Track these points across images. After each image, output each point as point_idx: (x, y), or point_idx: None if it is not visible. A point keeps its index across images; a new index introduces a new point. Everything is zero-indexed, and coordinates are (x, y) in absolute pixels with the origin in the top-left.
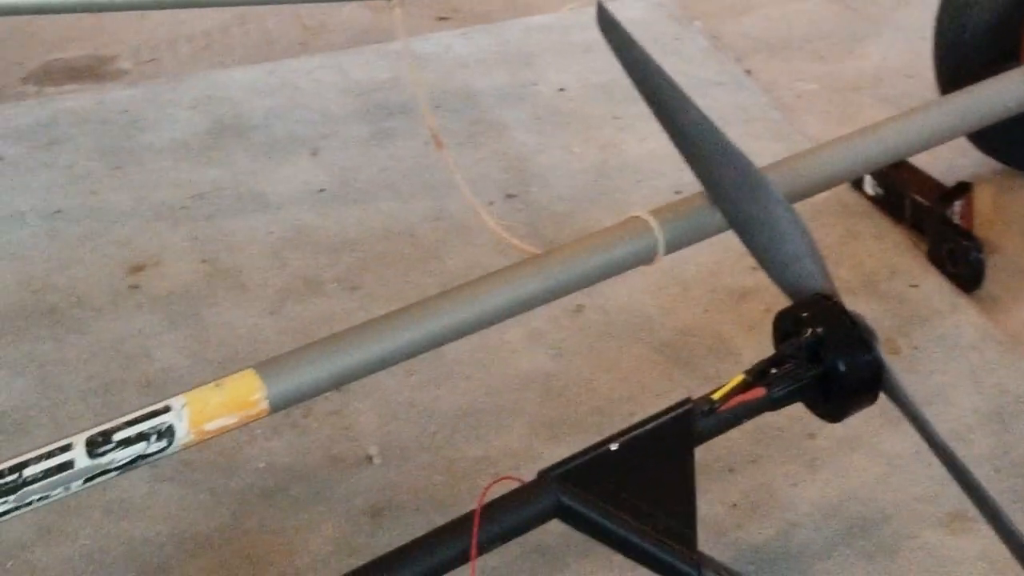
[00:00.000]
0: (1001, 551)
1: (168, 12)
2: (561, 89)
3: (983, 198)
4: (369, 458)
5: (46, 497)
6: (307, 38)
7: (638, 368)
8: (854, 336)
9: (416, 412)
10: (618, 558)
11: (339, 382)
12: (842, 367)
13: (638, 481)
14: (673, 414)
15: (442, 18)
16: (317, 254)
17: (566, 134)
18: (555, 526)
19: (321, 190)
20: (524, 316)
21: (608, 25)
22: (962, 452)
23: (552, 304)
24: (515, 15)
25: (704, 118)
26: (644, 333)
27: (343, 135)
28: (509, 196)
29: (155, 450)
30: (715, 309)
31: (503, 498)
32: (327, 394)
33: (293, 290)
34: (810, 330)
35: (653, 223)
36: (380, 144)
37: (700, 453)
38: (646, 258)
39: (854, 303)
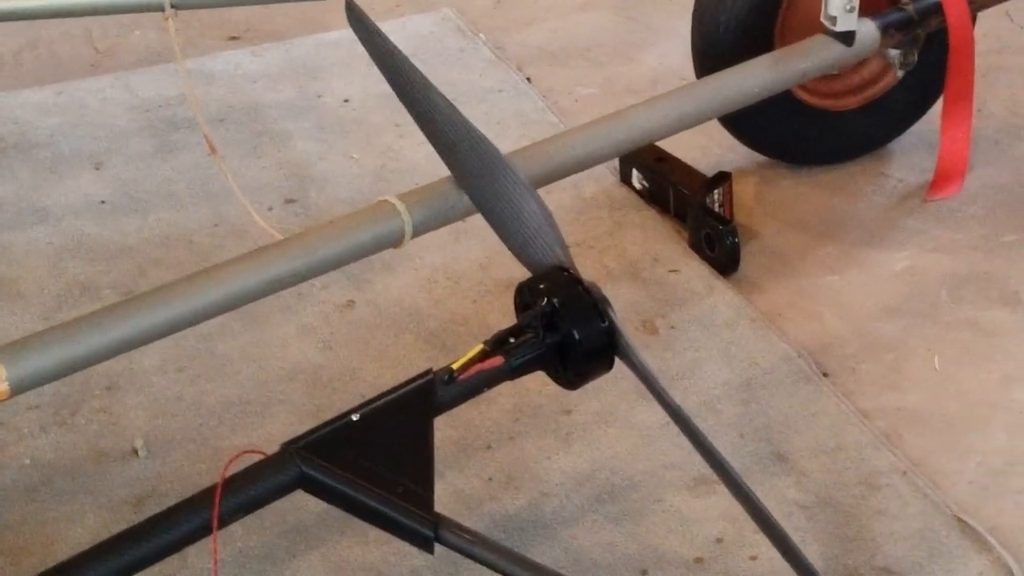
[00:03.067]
0: (737, 508)
1: None
2: (346, 100)
3: (743, 188)
4: (135, 451)
5: None
6: (98, 60)
7: (405, 356)
8: (588, 305)
9: (184, 406)
10: (373, 532)
11: (82, 364)
12: (577, 334)
13: (379, 449)
14: (414, 385)
15: (233, 38)
16: (95, 262)
17: (347, 142)
18: (314, 505)
19: (102, 202)
20: (295, 312)
21: (358, 22)
22: (711, 421)
23: (323, 300)
24: (307, 32)
25: (450, 106)
26: (413, 324)
27: (127, 150)
28: (288, 201)
29: None
30: (483, 299)
31: (246, 471)
32: (96, 392)
33: (69, 296)
34: (547, 300)
35: (400, 207)
36: (164, 158)
37: (459, 432)
38: (394, 241)
39: (616, 289)
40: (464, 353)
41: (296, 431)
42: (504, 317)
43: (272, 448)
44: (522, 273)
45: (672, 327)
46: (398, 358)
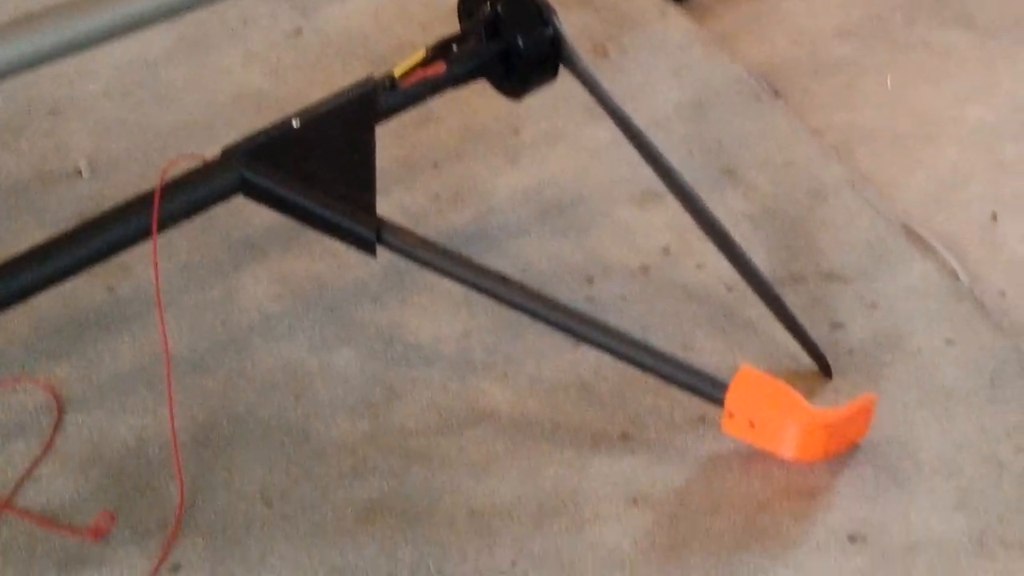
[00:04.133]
0: (684, 220)
1: None
2: None
3: None
4: (79, 172)
5: None
6: None
7: (351, 80)
8: (532, 10)
9: (128, 129)
10: (318, 246)
11: (16, 67)
12: (521, 41)
13: (321, 155)
14: (355, 91)
15: None
16: None
17: None
18: (259, 221)
19: None
20: (241, 39)
21: None
22: (661, 137)
23: (269, 28)
24: None
25: None
26: (361, 50)
27: None
28: None
29: None
30: (432, 25)
31: (186, 175)
32: (39, 116)
33: None
34: (490, 6)
35: None
36: None
37: (405, 151)
38: None
39: (567, 15)
40: (406, 59)
41: None
42: None
43: None
44: None
45: (623, 50)
46: (346, 83)
